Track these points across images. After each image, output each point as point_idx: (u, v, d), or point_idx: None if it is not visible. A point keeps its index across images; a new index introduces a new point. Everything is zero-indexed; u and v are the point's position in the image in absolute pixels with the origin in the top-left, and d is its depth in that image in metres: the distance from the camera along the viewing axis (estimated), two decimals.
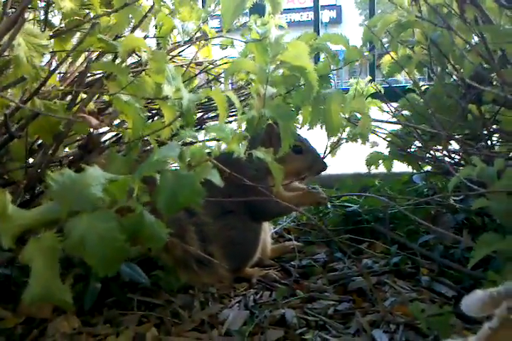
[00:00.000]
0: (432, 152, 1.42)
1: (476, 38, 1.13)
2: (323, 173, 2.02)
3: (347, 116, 1.49)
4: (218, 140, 0.85)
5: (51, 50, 1.02)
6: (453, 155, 1.47)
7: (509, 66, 1.09)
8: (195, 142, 0.91)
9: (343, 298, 1.32)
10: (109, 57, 1.30)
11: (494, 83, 1.27)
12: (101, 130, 1.49)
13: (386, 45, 1.58)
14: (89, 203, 0.66)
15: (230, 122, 1.69)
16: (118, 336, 1.13)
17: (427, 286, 1.32)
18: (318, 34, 1.52)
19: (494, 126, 1.46)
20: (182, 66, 1.48)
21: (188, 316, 1.24)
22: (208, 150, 0.80)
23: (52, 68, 1.17)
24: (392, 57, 1.48)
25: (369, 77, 1.79)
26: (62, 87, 1.20)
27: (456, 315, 1.11)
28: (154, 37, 1.43)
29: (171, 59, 1.43)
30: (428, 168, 1.72)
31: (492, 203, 0.98)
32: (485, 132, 1.35)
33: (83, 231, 0.64)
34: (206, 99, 1.69)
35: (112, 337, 1.13)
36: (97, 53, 1.29)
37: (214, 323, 1.21)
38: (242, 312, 1.26)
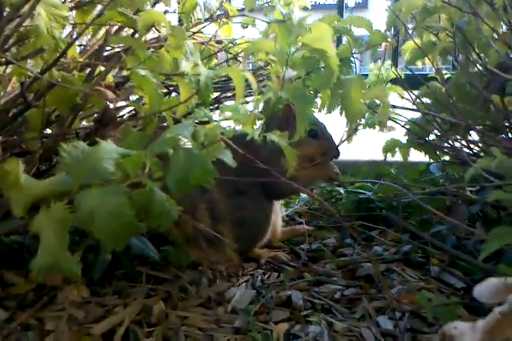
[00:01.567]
0: (450, 142, 1.39)
1: (504, 26, 1.09)
2: (338, 159, 2.02)
3: (367, 102, 1.47)
4: (234, 120, 0.84)
5: (72, 22, 1.02)
6: (472, 146, 1.44)
7: None
8: (210, 121, 0.90)
9: (351, 284, 1.32)
10: (130, 31, 1.30)
11: None
12: (119, 104, 1.50)
13: (410, 31, 1.54)
14: (100, 177, 0.66)
15: (247, 102, 1.68)
16: (125, 307, 1.15)
17: (436, 276, 1.31)
18: (342, 17, 1.48)
19: None
20: (202, 44, 1.46)
21: (195, 292, 1.25)
22: (222, 131, 0.80)
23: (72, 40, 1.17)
24: (415, 43, 1.44)
25: (389, 62, 1.76)
26: (81, 60, 1.20)
27: (464, 306, 1.10)
28: (176, 13, 1.42)
29: (191, 36, 1.41)
30: (446, 157, 1.69)
31: (508, 195, 0.96)
32: (506, 124, 1.31)
33: (93, 204, 0.64)
34: (224, 79, 1.68)
35: (120, 308, 1.15)
36: (117, 27, 1.28)
37: (221, 300, 1.23)
38: (248, 291, 1.27)
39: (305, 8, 1.40)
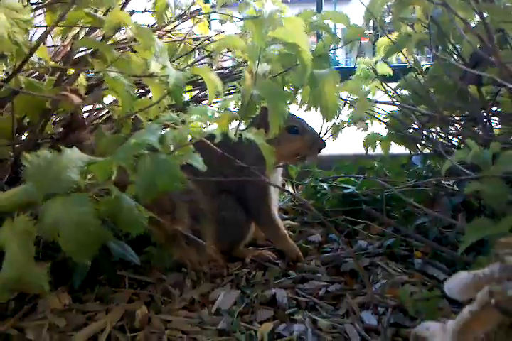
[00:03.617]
0: (427, 134, 1.39)
1: (477, 16, 1.08)
2: (322, 154, 2.01)
3: (345, 98, 1.46)
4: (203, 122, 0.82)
5: (35, 25, 0.99)
6: (450, 138, 1.43)
7: (508, 46, 1.05)
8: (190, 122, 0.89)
9: (335, 280, 1.32)
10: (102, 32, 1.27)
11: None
12: (97, 106, 1.48)
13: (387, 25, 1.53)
14: (64, 186, 0.64)
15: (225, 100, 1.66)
16: (108, 313, 1.14)
17: (419, 269, 1.31)
18: (320, 12, 1.47)
19: (494, 108, 1.42)
20: (176, 42, 1.44)
21: (178, 295, 1.24)
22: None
23: (44, 43, 1.14)
24: (388, 38, 1.43)
25: (376, 58, 1.75)
26: (52, 63, 1.18)
27: (446, 298, 1.10)
28: (149, 12, 1.40)
29: (165, 34, 1.39)
30: (426, 150, 1.69)
31: (485, 187, 0.96)
32: (484, 114, 1.31)
33: (57, 215, 0.63)
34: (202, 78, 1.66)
35: (102, 314, 1.14)
36: (87, 29, 1.26)
37: (204, 302, 1.22)
38: (233, 291, 1.26)
39: (285, 2, 1.38)
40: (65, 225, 0.63)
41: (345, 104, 1.46)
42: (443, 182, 1.49)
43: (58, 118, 1.16)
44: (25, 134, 1.22)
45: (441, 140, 1.43)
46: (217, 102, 1.66)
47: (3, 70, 0.99)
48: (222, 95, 1.03)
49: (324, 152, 2.00)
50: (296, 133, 1.45)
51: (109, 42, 1.14)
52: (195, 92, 1.72)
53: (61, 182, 0.64)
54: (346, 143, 2.06)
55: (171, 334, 1.08)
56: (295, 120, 1.46)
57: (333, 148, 1.98)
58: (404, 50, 1.56)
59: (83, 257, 0.65)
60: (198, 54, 1.65)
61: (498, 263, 0.51)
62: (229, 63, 1.85)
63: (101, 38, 1.08)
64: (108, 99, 1.41)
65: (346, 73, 1.72)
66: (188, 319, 1.15)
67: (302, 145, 1.46)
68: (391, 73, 1.60)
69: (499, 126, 1.49)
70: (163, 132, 0.75)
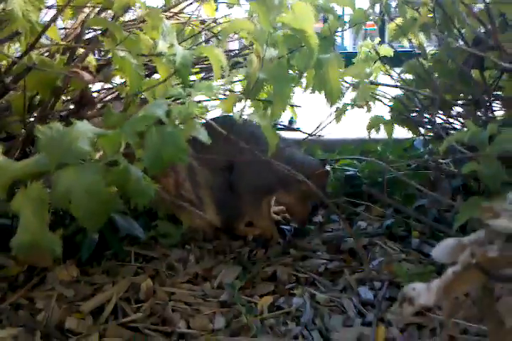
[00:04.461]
0: (429, 117, 1.41)
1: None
2: (325, 137, 2.04)
3: (349, 81, 1.48)
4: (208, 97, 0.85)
5: (47, 5, 1.02)
6: (451, 121, 1.46)
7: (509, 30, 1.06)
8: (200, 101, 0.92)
9: (334, 258, 1.35)
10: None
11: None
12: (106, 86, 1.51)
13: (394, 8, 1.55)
14: (76, 156, 0.68)
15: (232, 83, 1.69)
16: (114, 285, 1.19)
17: (416, 248, 1.35)
18: None
19: (497, 93, 1.44)
20: (183, 24, 1.46)
21: (182, 269, 1.29)
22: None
23: (54, 24, 1.17)
24: (395, 23, 1.45)
25: (378, 39, 1.76)
26: (63, 43, 1.21)
27: (439, 274, 1.14)
28: None
29: (172, 16, 1.41)
30: (429, 134, 1.71)
31: (481, 167, 0.99)
32: (486, 98, 1.33)
33: (69, 183, 0.66)
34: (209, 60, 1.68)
35: (108, 286, 1.18)
36: (98, 9, 1.28)
37: (207, 277, 1.26)
38: (235, 267, 1.31)
39: None
40: (77, 193, 0.66)
41: (348, 88, 1.48)
42: (443, 165, 1.51)
43: (68, 97, 1.19)
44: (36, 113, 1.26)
45: (443, 123, 1.45)
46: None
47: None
48: (227, 72, 1.06)
49: (328, 136, 2.04)
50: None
51: (118, 23, 1.16)
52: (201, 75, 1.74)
53: (73, 153, 0.67)
54: (350, 127, 2.09)
55: (175, 306, 1.12)
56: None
57: (336, 131, 2.02)
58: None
59: (94, 224, 0.69)
60: (205, 37, 1.67)
61: (483, 230, 0.54)
62: (235, 45, 1.88)
63: (111, 18, 1.11)
64: (116, 81, 1.44)
65: (352, 57, 1.74)
66: (192, 292, 1.19)
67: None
68: (392, 55, 1.61)
69: (502, 112, 1.51)
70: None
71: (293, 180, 1.30)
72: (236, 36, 1.70)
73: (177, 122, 0.77)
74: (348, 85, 1.54)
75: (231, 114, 1.03)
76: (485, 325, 0.63)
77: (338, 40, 1.64)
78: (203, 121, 1.02)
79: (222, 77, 1.08)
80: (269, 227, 1.46)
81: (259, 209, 1.45)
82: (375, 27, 2.54)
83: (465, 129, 1.18)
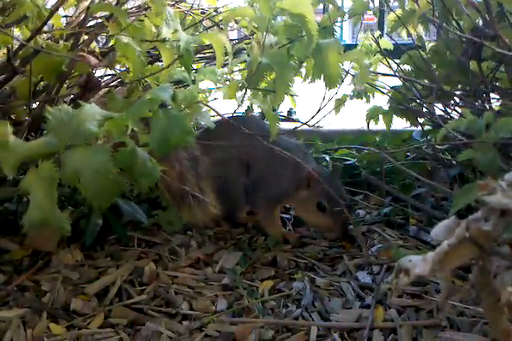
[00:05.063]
0: (427, 106, 1.43)
1: None
2: (325, 128, 2.06)
3: (347, 69, 1.50)
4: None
5: None
6: (449, 111, 1.48)
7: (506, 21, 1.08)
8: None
9: (334, 244, 1.38)
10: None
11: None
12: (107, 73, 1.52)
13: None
14: (84, 137, 0.70)
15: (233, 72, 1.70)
16: (118, 268, 1.21)
17: (413, 235, 1.37)
18: None
19: (495, 84, 1.46)
20: (185, 12, 1.47)
21: (185, 254, 1.31)
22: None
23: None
24: (395, 14, 1.47)
25: (378, 32, 1.78)
26: (68, 29, 1.22)
27: None
28: None
29: (173, 5, 1.43)
30: (427, 125, 1.73)
31: (477, 155, 1.01)
32: (483, 88, 1.35)
33: (78, 163, 0.68)
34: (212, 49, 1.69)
35: (113, 269, 1.20)
36: None
37: (209, 262, 1.29)
38: (236, 253, 1.33)
39: None
40: (86, 172, 0.68)
41: (346, 75, 1.49)
42: (440, 154, 1.53)
43: (72, 83, 1.21)
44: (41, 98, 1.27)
45: (441, 112, 1.47)
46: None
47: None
48: (229, 56, 1.07)
49: (327, 126, 2.05)
50: (323, 211, 1.37)
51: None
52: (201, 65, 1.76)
53: (82, 134, 0.69)
54: (349, 118, 2.11)
55: (178, 289, 1.15)
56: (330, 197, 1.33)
57: (336, 122, 2.03)
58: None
59: (102, 202, 0.71)
60: (206, 27, 1.68)
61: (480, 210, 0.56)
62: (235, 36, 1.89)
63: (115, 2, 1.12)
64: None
65: (350, 49, 1.75)
66: (194, 276, 1.21)
67: (325, 224, 1.39)
68: (392, 48, 1.63)
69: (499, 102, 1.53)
70: None
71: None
72: (236, 26, 1.72)
73: (182, 106, 0.78)
74: (346, 73, 1.55)
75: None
76: (481, 306, 0.65)
77: (338, 33, 1.65)
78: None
79: (224, 65, 1.10)
80: (279, 234, 1.44)
81: (271, 219, 1.46)
82: (374, 21, 2.56)
83: (463, 119, 1.20)
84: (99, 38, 1.52)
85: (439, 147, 1.33)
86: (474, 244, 0.50)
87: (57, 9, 0.95)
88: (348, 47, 1.71)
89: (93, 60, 0.92)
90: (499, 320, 0.58)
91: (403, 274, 0.54)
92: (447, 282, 0.62)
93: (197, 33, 1.44)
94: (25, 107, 1.12)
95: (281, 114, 2.55)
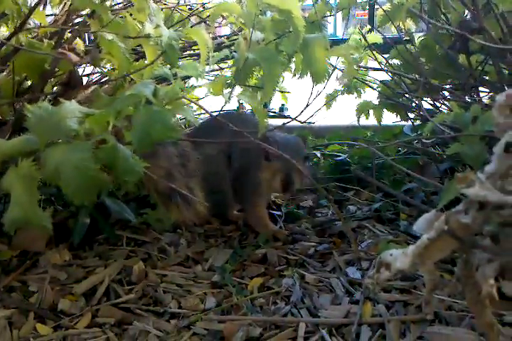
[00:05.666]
0: (416, 100, 1.43)
1: None
2: (316, 124, 2.05)
3: (335, 64, 1.49)
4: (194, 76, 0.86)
5: None
6: (438, 105, 1.48)
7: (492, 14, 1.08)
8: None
9: (324, 240, 1.37)
10: None
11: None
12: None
13: None
14: (64, 134, 0.69)
15: (222, 69, 1.70)
16: (106, 268, 1.20)
17: (404, 230, 1.37)
18: None
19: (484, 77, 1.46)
20: (171, 8, 1.46)
21: (174, 252, 1.30)
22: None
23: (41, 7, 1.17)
24: (383, 10, 1.46)
25: (368, 27, 1.77)
26: (50, 26, 1.21)
27: None
28: None
29: (160, 0, 1.42)
30: (417, 120, 1.73)
31: (465, 148, 1.01)
32: (472, 82, 1.35)
33: (58, 160, 0.67)
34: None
35: (101, 269, 1.20)
36: None
37: (198, 259, 1.28)
38: (226, 250, 1.32)
39: None
40: (66, 169, 0.67)
41: (333, 70, 1.48)
42: (430, 148, 1.53)
43: (56, 81, 1.20)
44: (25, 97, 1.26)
45: (430, 106, 1.47)
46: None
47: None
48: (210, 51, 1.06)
49: (318, 122, 2.04)
50: (268, 160, 1.33)
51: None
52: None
53: (62, 131, 0.68)
54: (341, 114, 2.10)
55: (167, 287, 1.14)
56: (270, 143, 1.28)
57: (326, 118, 2.03)
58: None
59: (83, 200, 0.70)
60: (193, 23, 1.66)
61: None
62: (225, 31, 1.88)
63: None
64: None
65: (340, 44, 1.75)
66: (183, 274, 1.21)
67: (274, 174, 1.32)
68: (381, 42, 1.62)
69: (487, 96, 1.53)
70: None
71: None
72: (224, 21, 1.71)
73: (164, 103, 0.78)
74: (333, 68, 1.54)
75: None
76: (466, 300, 0.65)
77: (330, 28, 1.65)
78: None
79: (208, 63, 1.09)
80: (269, 232, 1.42)
81: (260, 217, 1.44)
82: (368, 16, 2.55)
83: (450, 112, 1.20)
84: (85, 36, 1.51)
85: (427, 141, 1.32)
86: (453, 237, 0.50)
87: (35, 7, 0.93)
88: (341, 42, 1.71)
89: (74, 58, 0.91)
90: (483, 313, 0.57)
91: (384, 268, 0.53)
92: (431, 276, 0.62)
93: (184, 29, 1.42)
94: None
95: (273, 110, 2.54)
